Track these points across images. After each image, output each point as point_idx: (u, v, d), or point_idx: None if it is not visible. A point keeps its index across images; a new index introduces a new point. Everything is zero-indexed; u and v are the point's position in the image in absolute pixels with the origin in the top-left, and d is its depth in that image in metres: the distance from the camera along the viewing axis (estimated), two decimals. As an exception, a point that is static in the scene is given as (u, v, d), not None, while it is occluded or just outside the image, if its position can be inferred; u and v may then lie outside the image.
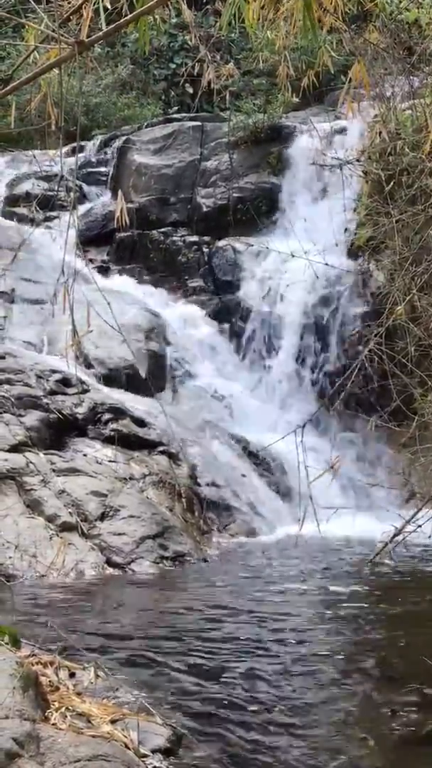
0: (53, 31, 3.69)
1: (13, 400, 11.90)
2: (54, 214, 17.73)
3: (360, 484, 13.38)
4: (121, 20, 3.67)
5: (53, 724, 4.85)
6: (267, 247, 15.11)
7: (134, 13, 3.70)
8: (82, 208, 18.30)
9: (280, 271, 15.62)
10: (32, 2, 3.96)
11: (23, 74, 4.21)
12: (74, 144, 17.21)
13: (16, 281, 15.21)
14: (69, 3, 4.89)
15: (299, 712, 6.02)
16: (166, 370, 15.07)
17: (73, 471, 11.37)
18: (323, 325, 15.09)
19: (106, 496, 11.11)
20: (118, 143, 19.06)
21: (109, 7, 3.99)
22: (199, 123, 18.47)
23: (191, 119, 18.69)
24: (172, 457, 12.56)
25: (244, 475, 13.22)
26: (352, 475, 13.60)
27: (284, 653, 7.39)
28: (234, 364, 15.64)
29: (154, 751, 5.09)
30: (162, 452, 12.55)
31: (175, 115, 20.17)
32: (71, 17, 4.39)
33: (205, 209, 17.45)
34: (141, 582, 9.97)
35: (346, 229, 15.54)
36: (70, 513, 10.65)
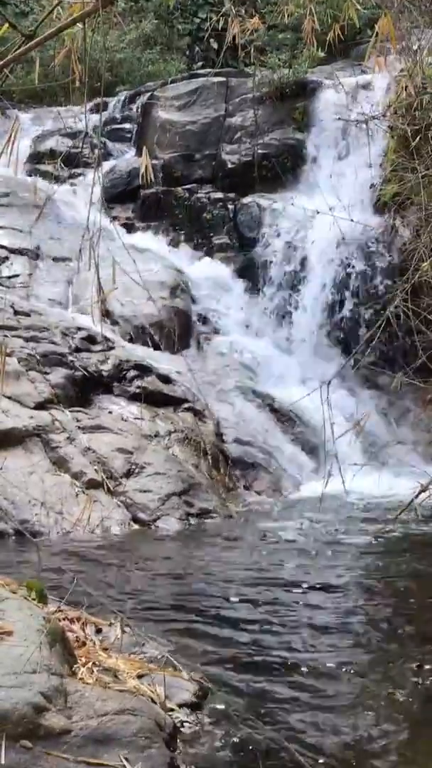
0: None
1: (38, 357, 11.92)
2: (78, 171, 17.67)
3: (385, 441, 13.36)
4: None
5: (80, 679, 4.89)
6: (293, 204, 15.03)
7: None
8: (106, 165, 18.21)
9: (305, 227, 15.53)
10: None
11: (47, 30, 4.17)
12: (98, 100, 17.12)
13: (41, 239, 15.19)
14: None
15: (324, 667, 6.05)
16: (191, 327, 15.05)
17: (99, 428, 11.40)
18: (348, 281, 15.02)
19: (131, 453, 11.14)
20: (142, 99, 18.94)
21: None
22: (223, 78, 18.31)
23: (216, 75, 18.51)
24: (198, 414, 12.56)
25: (264, 430, 13.20)
26: (377, 431, 13.57)
27: (308, 608, 7.42)
28: (259, 320, 15.60)
29: (180, 705, 5.13)
30: (187, 409, 12.55)
31: (199, 71, 20.01)
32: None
33: (230, 166, 17.34)
34: (166, 538, 10.02)
35: (371, 185, 15.43)
36: (95, 470, 10.69)
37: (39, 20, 4.31)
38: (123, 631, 5.91)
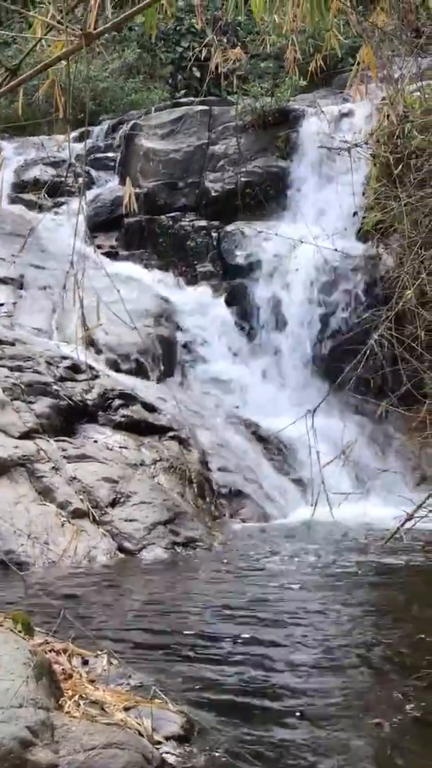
0: (59, 22, 3.68)
1: (23, 386, 11.91)
2: (62, 200, 17.72)
3: (372, 468, 13.37)
4: (129, 11, 3.66)
5: (67, 712, 4.87)
6: (276, 233, 15.07)
7: (142, 3, 3.69)
8: (90, 194, 18.28)
9: (288, 255, 15.58)
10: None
11: (30, 62, 4.19)
12: (82, 129, 17.17)
13: (25, 267, 15.20)
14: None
15: (310, 697, 6.03)
16: (175, 355, 15.07)
17: (84, 457, 11.38)
18: (333, 309, 15.06)
19: (117, 482, 11.12)
20: (125, 128, 19.02)
21: (116, -4, 3.97)
22: (206, 107, 18.40)
23: (199, 103, 18.59)
24: (183, 442, 12.57)
25: (249, 457, 13.20)
26: (363, 459, 13.58)
27: (294, 639, 7.40)
28: (243, 348, 15.63)
29: (167, 738, 5.10)
30: (172, 437, 12.55)
31: (182, 99, 20.11)
32: (79, 3, 4.37)
33: (213, 194, 17.41)
34: (153, 568, 9.99)
35: (354, 213, 15.50)
36: (81, 499, 10.67)
37: (23, 54, 4.33)
38: (110, 663, 5.89)
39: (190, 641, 7.25)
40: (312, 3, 4.81)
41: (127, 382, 13.31)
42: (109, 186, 18.61)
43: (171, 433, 12.60)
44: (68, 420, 12.02)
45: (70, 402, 12.10)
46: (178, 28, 22.46)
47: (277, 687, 6.23)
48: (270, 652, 6.99)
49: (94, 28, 3.85)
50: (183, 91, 22.13)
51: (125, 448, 11.83)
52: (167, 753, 4.95)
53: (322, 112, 16.14)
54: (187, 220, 17.40)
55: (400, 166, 11.62)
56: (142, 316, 14.60)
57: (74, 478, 10.92)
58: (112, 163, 19.09)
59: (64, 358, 12.85)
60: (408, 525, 7.25)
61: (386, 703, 5.94)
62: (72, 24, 4.20)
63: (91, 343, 13.71)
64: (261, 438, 13.65)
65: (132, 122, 19.06)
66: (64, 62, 3.92)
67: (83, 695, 5.15)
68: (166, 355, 14.72)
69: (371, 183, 14.30)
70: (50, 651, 5.74)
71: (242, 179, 17.03)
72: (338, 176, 16.08)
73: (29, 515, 10.16)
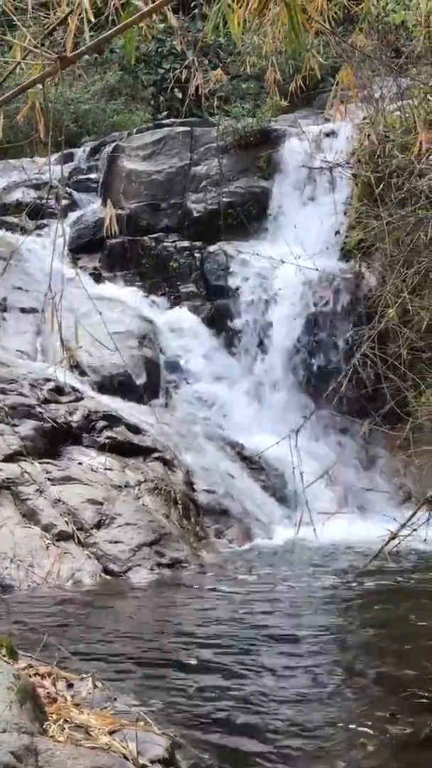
0: (35, 47, 3.69)
1: (7, 409, 11.89)
2: (45, 222, 17.73)
3: (356, 487, 13.37)
4: (106, 33, 3.67)
5: (51, 737, 4.84)
6: (257, 254, 15.10)
7: (118, 26, 3.70)
8: (72, 216, 18.30)
9: (272, 275, 15.61)
10: (14, 18, 3.96)
11: (12, 84, 4.21)
12: (63, 152, 17.20)
13: (7, 290, 15.19)
14: (55, 14, 4.89)
15: (297, 718, 6.02)
16: (159, 376, 15.06)
17: (69, 479, 11.36)
18: (315, 328, 15.09)
19: (101, 504, 11.10)
20: (107, 150, 19.04)
21: (92, 19, 3.98)
22: (188, 128, 18.44)
23: (180, 124, 18.65)
24: (168, 463, 12.56)
25: (233, 477, 13.20)
26: (347, 478, 13.59)
27: (281, 659, 7.38)
28: (227, 368, 15.63)
29: (152, 762, 5.08)
30: (157, 459, 12.55)
31: (164, 121, 20.14)
32: (57, 28, 4.39)
33: (195, 214, 17.43)
34: (138, 590, 9.96)
35: (337, 232, 15.55)
36: (66, 522, 10.64)
37: (2, 75, 4.34)
38: (95, 686, 5.86)
39: (175, 663, 7.23)
40: (290, 24, 4.82)
41: (111, 403, 13.30)
42: (91, 208, 18.63)
43: (155, 454, 12.59)
44: (52, 442, 12.00)
45: (54, 424, 12.09)
46: (159, 49, 22.52)
47: (263, 706, 6.22)
48: (254, 672, 6.98)
49: (72, 52, 3.86)
50: (165, 113, 22.19)
51: (110, 469, 11.82)
52: (152, 776, 4.94)
53: (303, 132, 16.19)
54: (170, 240, 17.43)
55: (381, 185, 11.66)
56: (125, 338, 14.60)
57: (59, 500, 10.90)
58: (95, 185, 19.12)
59: (48, 380, 12.83)
60: (392, 544, 7.25)
61: (372, 720, 5.93)
62: (51, 47, 4.21)
63: (75, 365, 13.70)
64: (245, 458, 13.64)
65: (114, 144, 19.09)
66: (40, 86, 3.93)
67: (68, 719, 5.12)
68: (150, 377, 14.71)
69: (353, 202, 14.35)
70: (34, 675, 5.72)
71: (224, 200, 17.07)
72: (320, 196, 16.16)
73: (14, 538, 10.13)
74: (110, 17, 4.96)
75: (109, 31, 3.73)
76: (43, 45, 4.07)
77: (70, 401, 12.73)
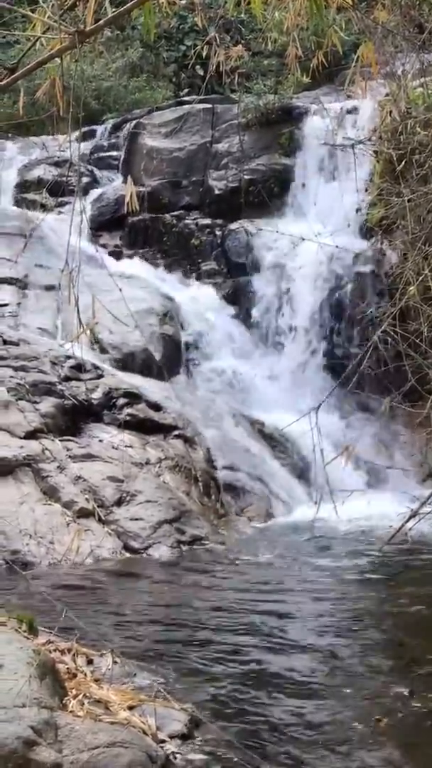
0: (54, 21, 3.67)
1: (28, 386, 11.91)
2: (66, 199, 17.68)
3: (377, 465, 13.33)
4: (121, 8, 3.65)
5: (71, 712, 4.87)
6: (279, 231, 15.03)
7: (134, 1, 3.68)
8: (93, 193, 18.25)
9: (292, 252, 15.55)
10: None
11: (31, 61, 4.20)
12: (84, 129, 17.14)
13: (29, 268, 15.18)
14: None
15: (314, 693, 6.03)
16: (180, 354, 15.05)
17: (89, 457, 11.38)
18: (336, 306, 15.04)
19: (122, 481, 11.12)
20: (128, 127, 18.95)
21: (112, -7, 3.96)
22: (209, 105, 18.34)
23: (202, 101, 18.52)
24: (188, 440, 12.55)
25: (254, 455, 13.17)
26: (368, 456, 13.54)
27: (298, 634, 7.40)
28: (248, 346, 15.59)
29: (171, 736, 5.11)
30: (178, 436, 12.54)
31: (185, 98, 20.03)
32: (78, 2, 4.37)
33: (217, 192, 17.37)
34: (158, 567, 9.99)
35: (358, 209, 15.46)
36: (86, 499, 10.66)
37: (21, 53, 4.33)
38: (114, 662, 5.89)
39: (195, 639, 7.25)
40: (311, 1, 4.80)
41: (131, 381, 13.29)
42: (113, 185, 18.57)
43: (176, 432, 12.59)
44: (73, 419, 12.01)
45: (75, 401, 12.10)
46: (181, 26, 22.38)
47: (280, 681, 6.23)
48: (273, 648, 7.00)
49: (90, 27, 3.84)
50: (186, 90, 22.07)
51: (130, 447, 11.83)
52: (171, 751, 4.96)
53: (325, 109, 16.10)
54: (191, 218, 17.37)
55: (403, 162, 11.60)
56: (146, 315, 14.59)
57: (79, 477, 10.92)
58: (116, 162, 19.03)
59: (69, 357, 12.83)
60: (412, 522, 7.24)
61: (390, 697, 5.94)
62: (73, 23, 4.19)
63: (95, 342, 13.70)
64: (266, 435, 13.62)
65: (135, 121, 19.00)
66: (58, 60, 3.92)
67: (87, 694, 5.15)
68: (171, 354, 14.70)
69: (374, 179, 14.25)
70: (54, 650, 5.75)
71: (246, 177, 16.99)
72: (341, 173, 16.07)
73: (34, 515, 10.16)
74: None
75: (125, 6, 3.71)
76: (63, 20, 4.06)
77: (91, 378, 12.73)
